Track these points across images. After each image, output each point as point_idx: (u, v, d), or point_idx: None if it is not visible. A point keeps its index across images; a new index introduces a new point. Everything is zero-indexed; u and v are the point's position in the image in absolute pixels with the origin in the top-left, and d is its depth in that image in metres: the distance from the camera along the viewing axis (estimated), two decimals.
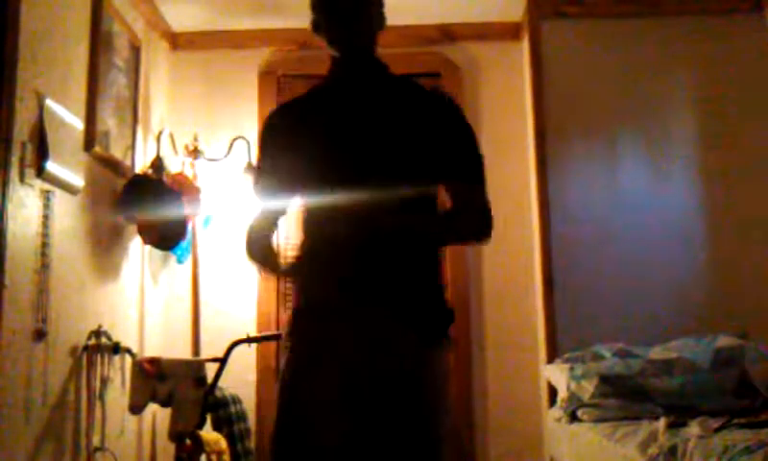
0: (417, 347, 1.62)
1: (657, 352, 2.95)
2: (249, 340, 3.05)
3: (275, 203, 1.78)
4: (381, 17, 1.76)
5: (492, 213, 1.85)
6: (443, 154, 1.70)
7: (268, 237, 1.80)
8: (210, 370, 2.99)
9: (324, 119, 1.72)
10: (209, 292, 3.59)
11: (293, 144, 1.72)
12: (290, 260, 1.75)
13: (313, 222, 1.70)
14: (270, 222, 1.81)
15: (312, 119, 1.74)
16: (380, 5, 1.77)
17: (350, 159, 1.65)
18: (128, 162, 3.20)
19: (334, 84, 1.75)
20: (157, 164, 3.29)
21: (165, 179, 3.28)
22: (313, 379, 1.62)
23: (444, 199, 1.76)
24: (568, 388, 2.91)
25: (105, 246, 2.99)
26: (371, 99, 1.71)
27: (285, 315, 3.66)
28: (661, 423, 2.32)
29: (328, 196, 1.63)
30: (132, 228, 3.20)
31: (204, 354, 3.33)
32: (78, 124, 2.69)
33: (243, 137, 3.58)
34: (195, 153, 3.54)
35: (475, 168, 1.81)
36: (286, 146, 1.73)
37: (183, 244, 3.40)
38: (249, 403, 3.49)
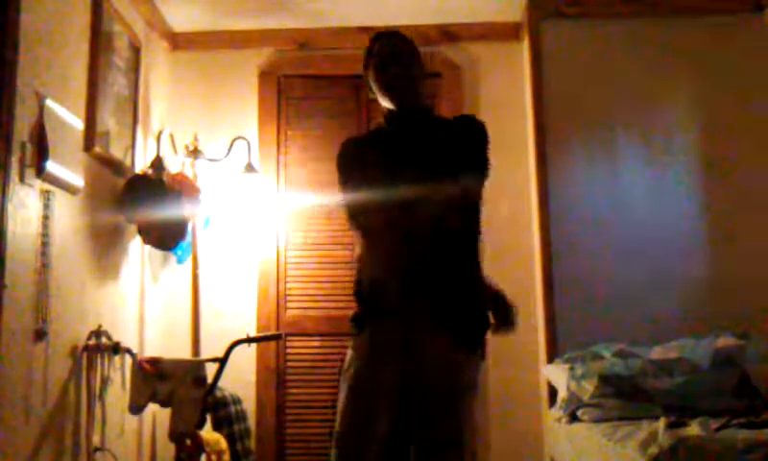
0: (455, 351, 1.91)
1: (657, 352, 2.94)
2: (249, 340, 3.04)
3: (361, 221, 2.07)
4: (425, 77, 2.13)
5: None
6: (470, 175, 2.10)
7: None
8: (210, 370, 2.99)
9: (383, 155, 2.05)
10: (209, 292, 3.59)
11: (361, 173, 2.04)
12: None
13: (375, 240, 2.01)
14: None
15: (375, 154, 2.07)
16: (422, 69, 2.11)
17: (406, 185, 1.95)
18: (128, 162, 3.20)
19: (391, 127, 2.09)
20: (157, 164, 3.29)
21: (165, 179, 3.27)
22: (373, 374, 1.92)
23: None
24: (568, 388, 2.91)
25: (105, 246, 2.99)
26: (419, 140, 2.03)
27: (285, 315, 3.66)
28: (661, 423, 2.31)
29: (388, 216, 1.95)
30: (132, 228, 3.20)
31: (204, 354, 3.32)
32: (78, 124, 2.69)
33: (243, 137, 3.58)
34: (195, 153, 3.54)
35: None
36: (360, 176, 2.04)
37: (183, 244, 3.40)
38: (249, 403, 3.49)
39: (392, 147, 2.05)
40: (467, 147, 2.12)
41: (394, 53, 2.05)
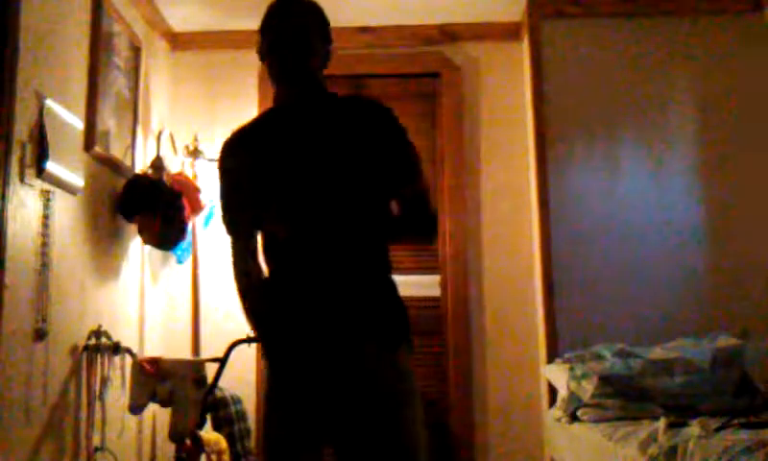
0: (378, 353, 1.70)
1: (657, 353, 2.94)
2: (249, 340, 3.04)
3: (248, 231, 1.84)
4: (327, 57, 1.86)
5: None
6: (385, 166, 1.78)
7: (260, 284, 1.84)
8: (210, 370, 3.00)
9: (276, 146, 1.79)
10: (209, 292, 3.59)
11: (251, 172, 1.79)
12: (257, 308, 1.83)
13: (276, 246, 1.78)
14: (252, 255, 1.84)
15: (266, 146, 1.81)
16: (326, 44, 1.85)
17: (307, 182, 1.74)
18: (128, 162, 3.20)
19: (282, 111, 1.83)
20: (157, 164, 3.29)
21: (165, 179, 3.28)
22: (292, 397, 1.72)
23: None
24: (568, 388, 2.91)
25: (105, 246, 2.99)
26: (319, 123, 1.79)
27: None
28: (661, 423, 2.31)
29: (290, 220, 1.74)
30: (132, 228, 3.20)
31: (204, 354, 3.33)
32: (78, 124, 2.69)
33: None
34: (195, 153, 3.54)
35: (413, 170, 1.83)
36: (245, 174, 1.80)
37: (183, 244, 3.40)
38: (249, 403, 3.49)
39: (287, 130, 1.79)
40: (377, 131, 1.79)
41: (283, 36, 1.79)
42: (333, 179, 1.73)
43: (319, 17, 1.84)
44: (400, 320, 1.77)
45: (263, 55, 1.84)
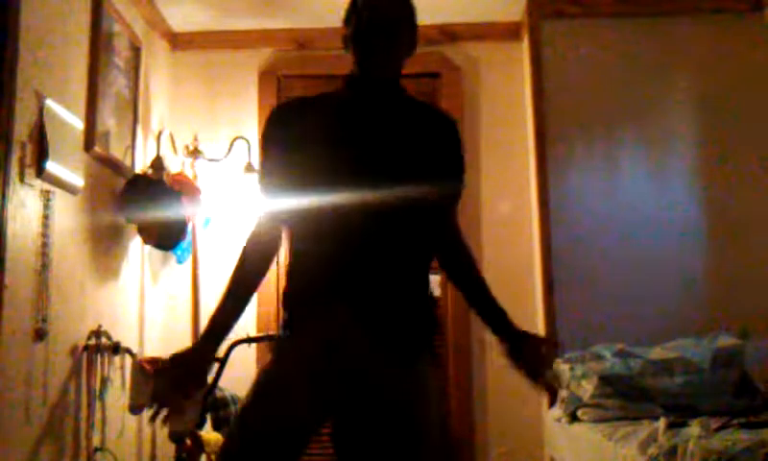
0: (401, 366, 1.60)
1: (657, 352, 2.94)
2: (249, 340, 3.05)
3: (283, 202, 1.71)
4: (412, 47, 1.84)
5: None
6: (445, 178, 1.74)
7: (264, 256, 1.75)
8: (210, 370, 2.99)
9: (334, 124, 1.69)
10: (209, 292, 3.59)
11: (301, 143, 1.66)
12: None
13: (314, 228, 1.65)
14: (277, 225, 1.74)
15: (322, 122, 1.69)
16: (414, 34, 1.84)
17: (361, 166, 1.63)
18: (128, 162, 3.20)
19: (347, 93, 1.75)
20: (157, 164, 3.29)
21: (165, 179, 3.28)
22: (290, 393, 1.60)
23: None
24: (568, 388, 2.91)
25: (105, 246, 2.99)
26: (383, 112, 1.72)
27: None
28: (661, 423, 2.31)
29: (337, 200, 1.60)
30: (132, 228, 3.20)
31: None
32: (78, 124, 2.69)
33: (243, 137, 3.58)
34: (195, 153, 3.54)
35: (459, 195, 1.84)
36: (293, 144, 1.67)
37: (183, 244, 3.40)
38: None
39: (349, 115, 1.70)
40: (446, 143, 1.77)
41: (382, 21, 1.74)
42: (388, 172, 1.64)
43: (412, 17, 1.86)
44: (424, 332, 1.68)
45: (348, 42, 1.78)
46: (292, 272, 1.70)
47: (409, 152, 1.67)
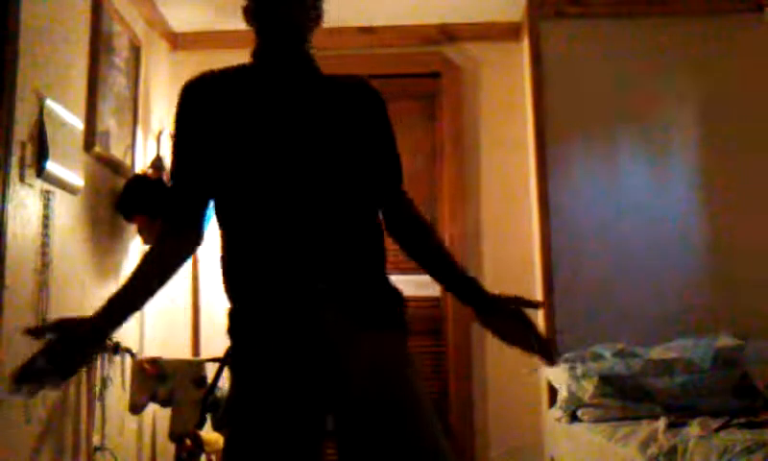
0: (381, 336, 1.50)
1: (657, 352, 2.95)
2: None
3: (201, 194, 1.61)
4: (317, 13, 1.65)
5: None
6: (377, 157, 1.63)
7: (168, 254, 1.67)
8: (210, 370, 2.99)
9: (255, 105, 1.55)
10: (209, 292, 3.59)
11: (219, 126, 1.54)
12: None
13: (247, 216, 1.53)
14: (194, 221, 1.64)
15: (241, 102, 1.56)
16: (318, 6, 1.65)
17: (290, 150, 1.51)
18: (128, 162, 3.20)
19: (261, 68, 1.62)
20: (157, 164, 3.29)
21: (165, 179, 3.28)
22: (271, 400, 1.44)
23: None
24: (568, 388, 2.91)
25: (105, 246, 2.99)
26: (304, 90, 1.58)
27: None
28: (661, 423, 2.31)
29: (270, 187, 1.49)
30: (132, 228, 3.20)
31: (204, 354, 3.33)
32: (78, 124, 2.69)
33: None
34: None
35: (399, 162, 1.71)
36: (211, 126, 1.55)
37: None
38: None
39: (266, 93, 1.57)
40: (369, 111, 1.63)
41: None
42: (320, 148, 1.53)
43: None
44: (390, 306, 1.57)
45: (248, 15, 1.68)
46: (235, 271, 1.58)
47: (329, 124, 1.56)
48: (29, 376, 1.45)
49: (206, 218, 1.66)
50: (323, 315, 1.47)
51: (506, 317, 1.62)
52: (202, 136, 1.56)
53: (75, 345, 1.48)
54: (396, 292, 1.59)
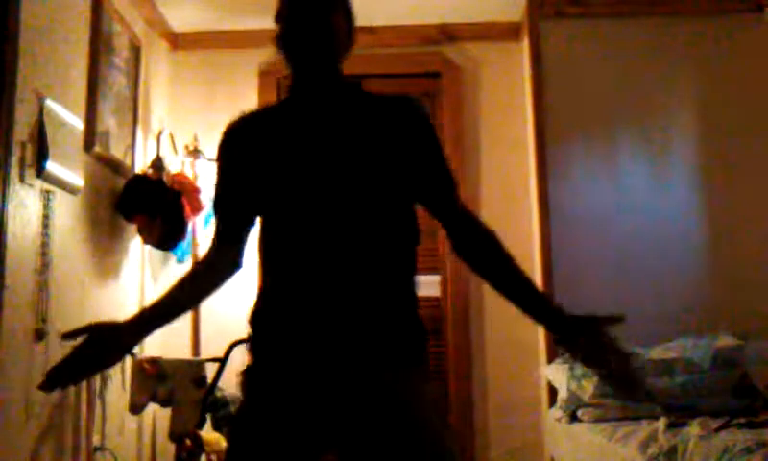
0: (405, 376, 1.47)
1: (657, 352, 2.94)
2: (248, 340, 3.04)
3: (240, 222, 1.64)
4: (349, 38, 1.60)
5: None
6: (421, 170, 1.59)
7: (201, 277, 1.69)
8: (210, 370, 3.00)
9: (289, 136, 1.55)
10: None
11: (256, 162, 1.56)
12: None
13: (276, 246, 1.55)
14: (233, 247, 1.65)
15: (276, 136, 1.57)
16: (349, 22, 1.60)
17: (323, 179, 1.50)
18: (128, 162, 3.20)
19: (296, 100, 1.59)
20: (157, 164, 3.29)
21: (165, 179, 3.28)
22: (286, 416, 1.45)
23: (429, 214, 1.64)
24: (568, 388, 2.91)
25: (105, 246, 2.99)
26: (338, 115, 1.56)
27: None
28: (661, 423, 2.31)
29: (300, 220, 1.49)
30: (132, 228, 3.20)
31: (204, 354, 3.33)
32: (78, 124, 2.69)
33: None
34: (195, 153, 3.54)
35: (453, 179, 1.68)
36: (249, 163, 1.57)
37: (183, 244, 3.40)
38: None
39: (298, 126, 1.55)
40: (409, 130, 1.56)
41: (306, 14, 1.51)
42: (348, 175, 1.50)
43: (343, 2, 1.58)
44: (415, 343, 1.53)
45: (278, 43, 1.57)
46: (262, 294, 1.60)
47: (367, 151, 1.51)
48: (61, 378, 1.46)
49: (244, 246, 1.65)
50: (343, 352, 1.45)
51: (587, 340, 1.52)
52: (241, 170, 1.59)
53: (104, 348, 1.50)
54: (420, 327, 1.56)
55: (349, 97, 1.59)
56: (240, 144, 1.60)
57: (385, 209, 1.52)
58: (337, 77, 1.58)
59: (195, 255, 3.51)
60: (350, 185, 1.49)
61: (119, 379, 2.99)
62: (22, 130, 2.32)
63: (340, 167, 1.50)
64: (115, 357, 1.56)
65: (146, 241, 3.25)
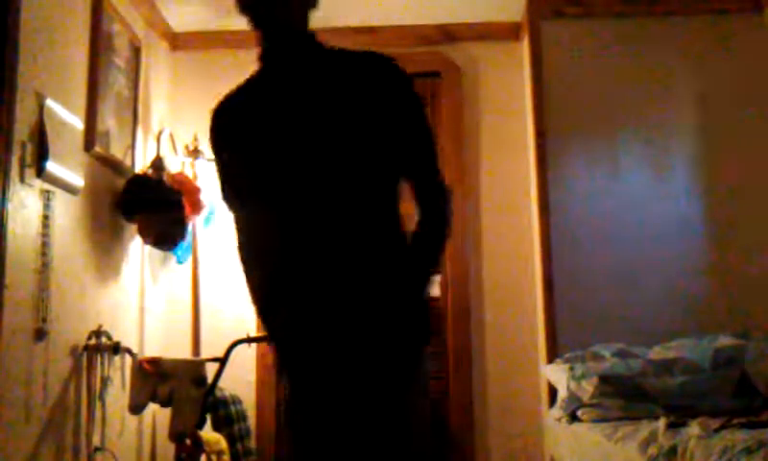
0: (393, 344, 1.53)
1: (657, 352, 2.95)
2: (249, 340, 3.05)
3: (241, 206, 1.66)
4: None
5: (453, 192, 1.68)
6: (399, 138, 1.56)
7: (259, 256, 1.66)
8: (210, 370, 3.00)
9: (264, 112, 1.56)
10: (209, 292, 3.59)
11: (239, 144, 1.59)
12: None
13: (265, 229, 1.57)
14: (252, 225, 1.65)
15: (253, 114, 1.58)
16: None
17: (302, 154, 1.50)
18: (128, 162, 3.20)
19: (269, 69, 1.59)
20: (157, 164, 3.29)
21: (165, 179, 3.28)
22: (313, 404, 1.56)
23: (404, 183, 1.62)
24: (568, 388, 2.91)
25: (105, 246, 2.99)
26: (311, 80, 1.54)
27: None
28: (661, 423, 2.31)
29: (280, 202, 1.51)
30: (132, 228, 3.20)
31: (204, 354, 3.33)
32: (78, 124, 2.69)
33: None
34: (195, 153, 3.54)
35: (431, 151, 1.64)
36: (234, 146, 1.61)
37: (183, 244, 3.40)
38: (249, 403, 3.49)
39: (273, 95, 1.56)
40: (384, 87, 1.55)
41: None
42: (325, 145, 1.49)
43: None
44: (414, 318, 1.55)
45: (239, 4, 1.60)
46: (253, 268, 1.63)
47: (342, 112, 1.51)
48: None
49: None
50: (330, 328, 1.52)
51: None
52: (231, 153, 1.63)
53: None
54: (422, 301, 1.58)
55: (324, 57, 1.57)
56: (225, 127, 1.64)
57: (370, 174, 1.52)
58: (305, 34, 1.57)
59: (195, 256, 3.51)
60: (333, 156, 1.49)
61: (119, 380, 2.99)
62: (22, 130, 2.32)
63: (321, 136, 1.50)
64: None
65: (146, 241, 3.25)
